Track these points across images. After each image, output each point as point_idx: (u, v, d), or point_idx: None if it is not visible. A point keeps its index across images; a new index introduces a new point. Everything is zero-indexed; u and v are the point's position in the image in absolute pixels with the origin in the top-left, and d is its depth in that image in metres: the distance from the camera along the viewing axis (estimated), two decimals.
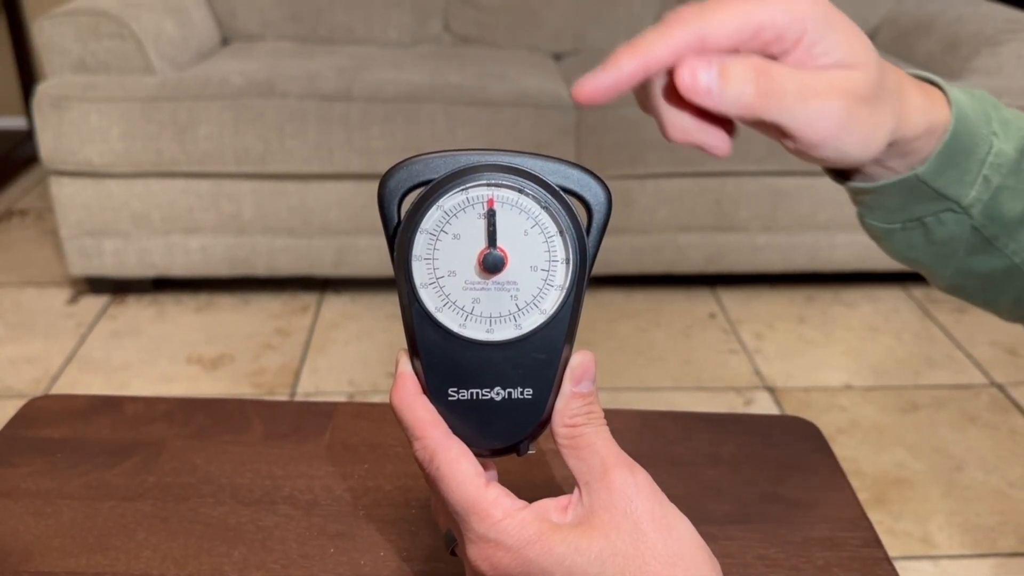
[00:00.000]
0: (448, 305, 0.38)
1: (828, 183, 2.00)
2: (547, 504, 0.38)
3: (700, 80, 0.34)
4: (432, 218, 0.37)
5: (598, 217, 0.38)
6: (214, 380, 1.86)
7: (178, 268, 2.12)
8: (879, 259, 2.19)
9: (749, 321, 2.12)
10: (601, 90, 0.34)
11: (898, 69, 0.40)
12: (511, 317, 0.38)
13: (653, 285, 2.25)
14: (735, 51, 0.35)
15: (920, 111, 0.40)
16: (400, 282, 0.38)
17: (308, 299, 2.19)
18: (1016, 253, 0.44)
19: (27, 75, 3.03)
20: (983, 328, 2.10)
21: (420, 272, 0.38)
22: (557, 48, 2.48)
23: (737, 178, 2.10)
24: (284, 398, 1.79)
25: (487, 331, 0.38)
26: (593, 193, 0.38)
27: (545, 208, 0.37)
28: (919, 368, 1.94)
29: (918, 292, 2.26)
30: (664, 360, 1.96)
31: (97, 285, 2.19)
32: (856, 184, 0.43)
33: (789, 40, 0.36)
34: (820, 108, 0.36)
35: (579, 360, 0.39)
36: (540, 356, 0.38)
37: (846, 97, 0.36)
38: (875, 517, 0.53)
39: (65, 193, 2.04)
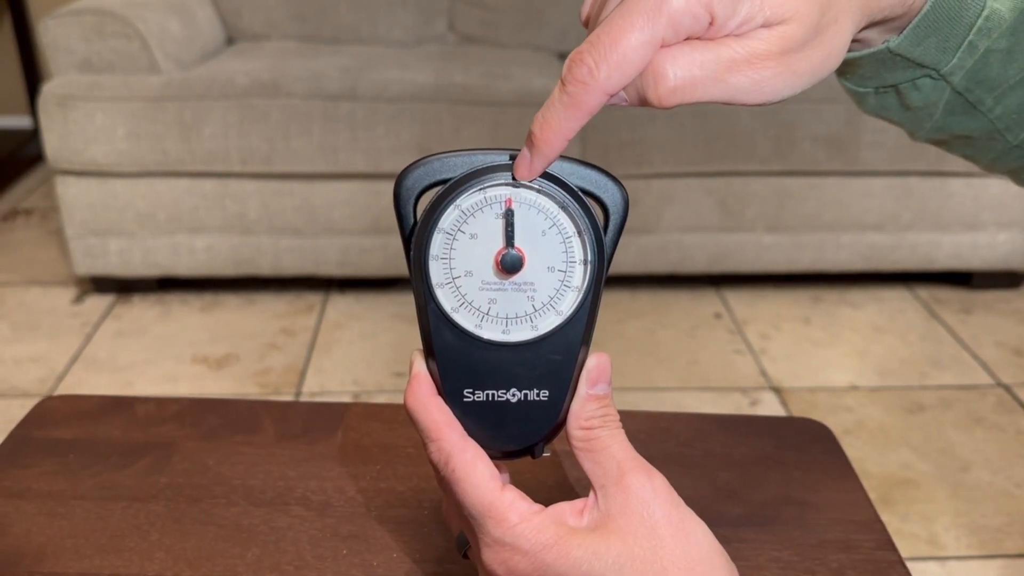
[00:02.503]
0: (464, 305, 0.38)
1: (834, 183, 1.99)
2: (563, 508, 0.38)
3: (615, 100, 0.35)
4: (449, 217, 0.37)
5: (615, 218, 0.38)
6: (219, 380, 1.86)
7: (183, 268, 2.12)
8: (885, 259, 2.19)
9: (755, 321, 2.11)
10: (539, 173, 0.36)
11: None
12: (527, 318, 0.38)
13: (658, 285, 2.25)
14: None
15: None
16: (416, 282, 0.38)
17: (313, 299, 2.19)
18: (1000, 119, 0.42)
19: (32, 74, 3.04)
20: (989, 329, 2.10)
21: (436, 272, 0.38)
22: (562, 47, 2.48)
23: (743, 178, 2.10)
24: (289, 398, 1.79)
25: (503, 332, 0.38)
26: (610, 194, 0.38)
27: (563, 209, 0.37)
28: (925, 369, 1.94)
29: (924, 293, 2.26)
30: (670, 360, 1.96)
31: (102, 285, 2.19)
32: None
33: (700, 30, 0.33)
34: (743, 81, 0.33)
35: (595, 362, 0.39)
36: (556, 357, 0.38)
37: (772, 58, 0.33)
38: (881, 518, 0.53)
39: (70, 192, 2.04)
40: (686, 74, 0.33)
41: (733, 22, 0.33)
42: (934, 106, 0.41)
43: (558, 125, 0.34)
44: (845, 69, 0.42)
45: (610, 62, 0.32)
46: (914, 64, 0.39)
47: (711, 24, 0.33)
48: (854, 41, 0.39)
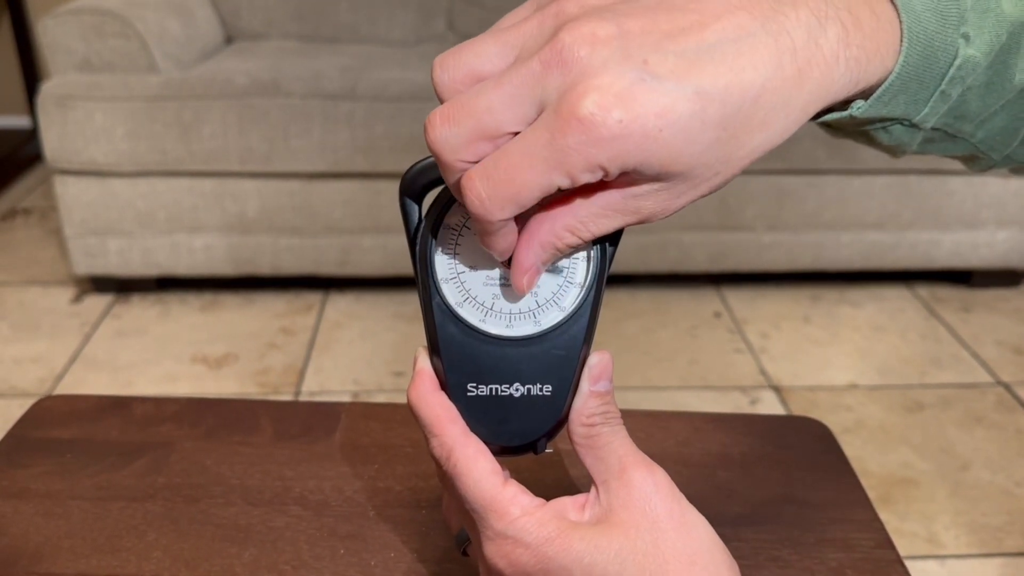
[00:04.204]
0: (468, 300, 0.38)
1: (834, 182, 1.99)
2: (564, 502, 0.38)
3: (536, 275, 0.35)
4: (455, 213, 0.38)
5: None
6: (219, 379, 1.86)
7: (182, 267, 2.12)
8: (885, 258, 2.19)
9: (754, 320, 2.11)
10: (533, 283, 0.36)
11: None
12: (531, 314, 0.38)
13: (658, 284, 2.25)
14: None
15: (843, 80, 0.33)
16: (421, 277, 0.38)
17: (312, 298, 2.19)
18: (983, 142, 0.39)
19: (31, 74, 3.04)
20: (989, 327, 2.09)
21: (441, 267, 0.38)
22: None
23: (742, 177, 2.10)
24: (289, 398, 1.79)
25: (507, 326, 0.38)
26: None
27: None
28: (925, 368, 1.94)
29: (924, 291, 2.26)
30: (670, 359, 1.96)
31: (101, 284, 2.19)
32: None
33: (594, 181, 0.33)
34: (630, 219, 0.33)
35: (597, 359, 0.39)
36: (559, 353, 0.38)
37: (653, 197, 0.33)
38: (881, 517, 0.53)
39: (69, 192, 2.04)
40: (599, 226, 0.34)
41: (622, 177, 0.32)
42: (908, 145, 0.40)
43: (498, 247, 0.34)
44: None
45: (503, 196, 0.32)
46: (884, 119, 0.36)
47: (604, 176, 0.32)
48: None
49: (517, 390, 0.39)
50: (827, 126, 0.39)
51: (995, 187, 2.12)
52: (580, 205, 0.33)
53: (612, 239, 0.38)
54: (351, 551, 0.52)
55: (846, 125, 0.38)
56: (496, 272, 0.38)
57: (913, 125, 0.37)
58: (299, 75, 2.02)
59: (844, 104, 0.35)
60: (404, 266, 2.12)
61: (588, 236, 0.34)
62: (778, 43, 0.31)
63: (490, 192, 0.32)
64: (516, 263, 0.35)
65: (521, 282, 0.35)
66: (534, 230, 0.34)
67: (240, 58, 2.20)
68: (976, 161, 0.42)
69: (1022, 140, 0.40)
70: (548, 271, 0.38)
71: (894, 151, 0.41)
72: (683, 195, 0.33)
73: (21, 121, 3.12)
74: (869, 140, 0.39)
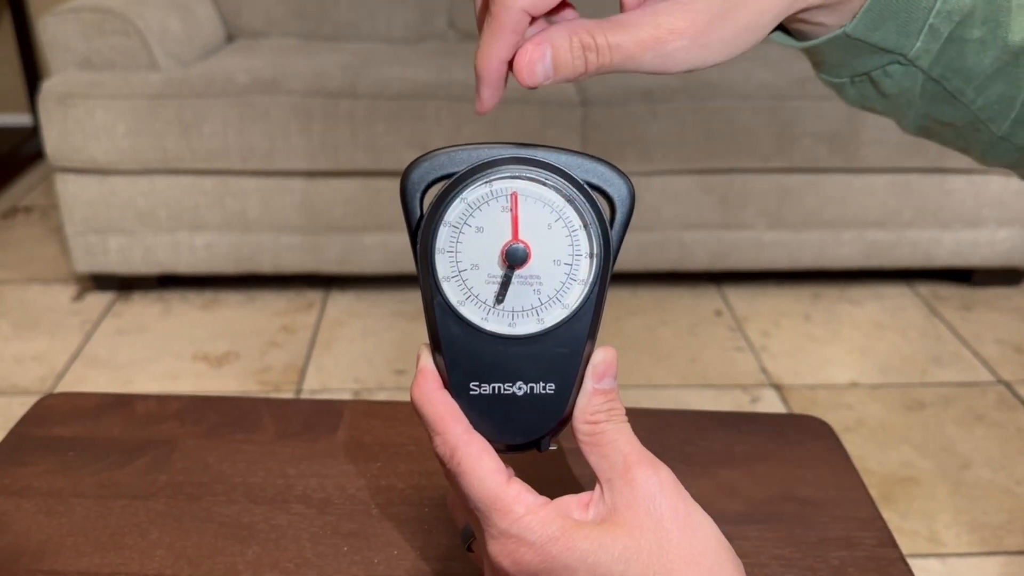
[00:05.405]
0: (471, 299, 0.38)
1: (835, 180, 1.98)
2: (568, 501, 0.38)
3: (537, 74, 0.36)
4: (456, 211, 0.37)
5: (621, 212, 0.38)
6: (220, 377, 1.86)
7: (183, 265, 2.12)
8: (885, 256, 2.18)
9: (755, 319, 2.11)
10: (493, 102, 0.38)
11: None
12: (533, 312, 0.38)
13: (659, 282, 2.25)
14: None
15: None
16: (423, 275, 0.38)
17: (313, 296, 2.19)
18: (982, 110, 0.42)
19: (32, 72, 3.03)
20: (990, 326, 2.09)
21: (443, 265, 0.38)
22: None
23: (743, 175, 2.10)
24: (290, 395, 1.79)
25: (509, 325, 0.38)
26: (616, 188, 0.38)
27: (570, 202, 0.37)
28: (926, 366, 1.94)
29: (924, 290, 2.26)
30: (670, 358, 1.96)
31: (102, 282, 2.19)
32: (788, 42, 0.41)
33: None
34: (661, 54, 0.36)
35: (601, 357, 0.39)
36: (563, 351, 0.38)
37: (688, 31, 0.35)
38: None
39: (70, 190, 2.04)
40: (609, 52, 0.36)
41: None
42: (910, 92, 0.41)
43: (488, 48, 0.36)
44: (817, 59, 0.42)
45: None
46: (878, 49, 0.39)
47: None
48: (812, 25, 0.39)
49: (520, 388, 0.39)
50: (836, 77, 0.41)
51: (996, 186, 2.12)
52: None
53: (616, 237, 0.38)
54: (354, 549, 0.52)
55: (848, 59, 0.39)
56: (498, 270, 0.38)
57: (909, 62, 0.39)
58: (300, 73, 2.02)
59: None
60: (405, 264, 2.12)
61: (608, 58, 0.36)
62: None
63: None
64: (520, 52, 0.36)
65: (523, 73, 0.36)
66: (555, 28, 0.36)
67: (241, 56, 2.20)
68: (977, 136, 0.42)
69: (1019, 112, 0.41)
70: (553, 265, 0.38)
71: (900, 108, 0.42)
72: (702, 36, 0.35)
73: (22, 119, 3.12)
74: (876, 88, 0.41)
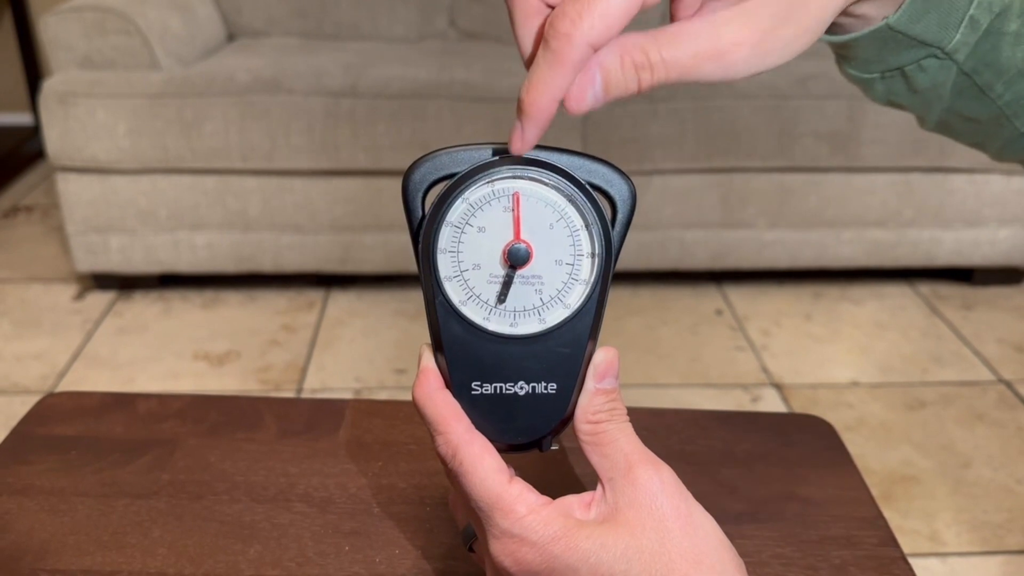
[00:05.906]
0: (472, 298, 0.38)
1: (836, 179, 1.98)
2: (570, 500, 0.38)
3: (587, 101, 0.34)
4: (457, 211, 0.37)
5: (623, 212, 0.38)
6: (220, 376, 1.86)
7: (184, 265, 2.12)
8: (886, 256, 2.18)
9: (756, 318, 2.11)
10: (535, 142, 0.35)
11: None
12: (535, 311, 0.38)
13: (659, 281, 2.25)
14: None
15: None
16: (424, 275, 0.38)
17: (314, 296, 2.19)
18: (1009, 105, 0.41)
19: (33, 71, 3.04)
20: (990, 325, 2.09)
21: (445, 265, 0.38)
22: None
23: (744, 174, 2.10)
24: (290, 395, 1.79)
25: (511, 325, 0.38)
26: (618, 188, 0.38)
27: (571, 202, 0.37)
28: (926, 365, 1.94)
29: (925, 289, 2.26)
30: (671, 357, 1.96)
31: (103, 281, 2.19)
32: (824, 38, 0.40)
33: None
34: (722, 65, 0.34)
35: (603, 356, 0.39)
36: (564, 351, 0.38)
37: (748, 41, 0.33)
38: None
39: (71, 189, 2.04)
40: (665, 67, 0.34)
41: None
42: (942, 87, 0.41)
43: (544, 85, 0.33)
44: (848, 54, 0.42)
45: (593, 12, 0.32)
46: (917, 43, 0.39)
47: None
48: (853, 18, 0.39)
49: (522, 388, 0.39)
50: (867, 73, 0.41)
51: (997, 185, 2.12)
52: None
53: (617, 237, 0.38)
54: (356, 548, 0.52)
55: (885, 53, 0.39)
56: (500, 270, 0.38)
57: (946, 56, 0.38)
58: (301, 72, 2.02)
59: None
60: (406, 263, 2.12)
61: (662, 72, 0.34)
62: None
63: (579, 9, 0.32)
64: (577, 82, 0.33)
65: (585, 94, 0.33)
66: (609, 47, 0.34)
67: (242, 55, 2.20)
68: (999, 132, 0.42)
69: None
70: (555, 265, 0.38)
71: (928, 103, 0.42)
72: (762, 44, 0.34)
73: (23, 118, 3.12)
74: (907, 84, 0.40)
